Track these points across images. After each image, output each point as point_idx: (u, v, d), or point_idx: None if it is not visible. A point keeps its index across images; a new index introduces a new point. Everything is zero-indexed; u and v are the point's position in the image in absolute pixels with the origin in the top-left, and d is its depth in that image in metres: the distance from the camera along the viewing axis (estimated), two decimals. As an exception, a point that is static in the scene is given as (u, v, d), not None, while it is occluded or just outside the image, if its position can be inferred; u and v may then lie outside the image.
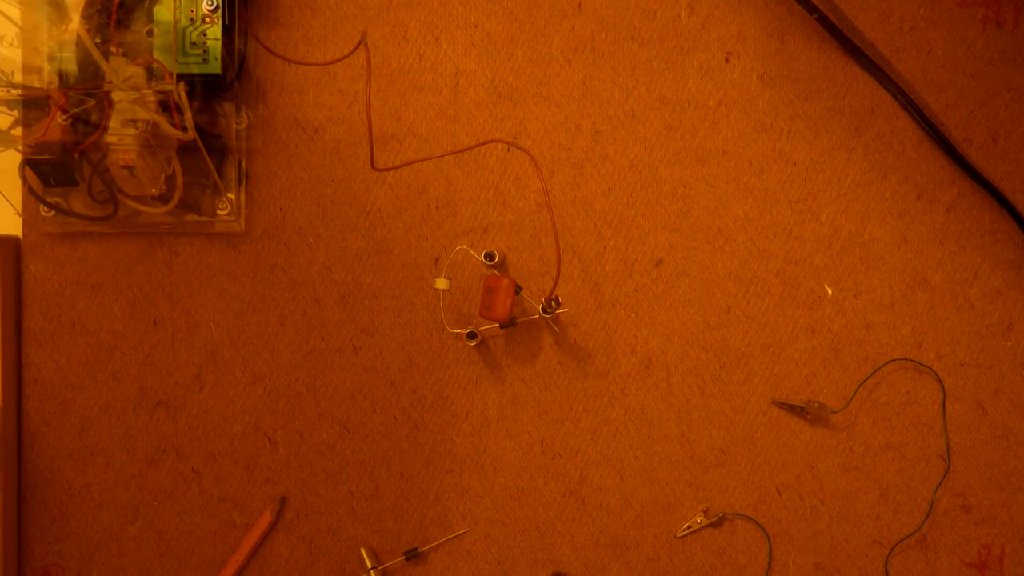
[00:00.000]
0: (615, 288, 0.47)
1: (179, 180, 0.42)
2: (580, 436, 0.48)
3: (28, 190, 0.43)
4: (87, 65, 0.39)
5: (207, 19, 0.41)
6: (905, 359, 0.47)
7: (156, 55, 0.40)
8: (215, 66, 0.41)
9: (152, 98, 0.38)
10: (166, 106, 0.39)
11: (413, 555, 0.46)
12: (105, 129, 0.38)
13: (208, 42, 0.41)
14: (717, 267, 0.47)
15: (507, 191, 0.47)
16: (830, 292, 0.47)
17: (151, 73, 0.39)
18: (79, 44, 0.39)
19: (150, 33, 0.40)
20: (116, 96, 0.38)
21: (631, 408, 0.47)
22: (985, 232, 0.47)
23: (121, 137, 0.38)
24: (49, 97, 0.39)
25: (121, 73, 0.38)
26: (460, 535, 0.47)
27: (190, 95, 0.39)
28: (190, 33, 0.41)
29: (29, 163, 0.40)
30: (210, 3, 0.41)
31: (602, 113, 0.47)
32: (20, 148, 0.40)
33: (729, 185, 0.47)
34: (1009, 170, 0.47)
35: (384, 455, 0.47)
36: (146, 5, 0.40)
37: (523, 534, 0.48)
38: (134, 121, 0.38)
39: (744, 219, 0.47)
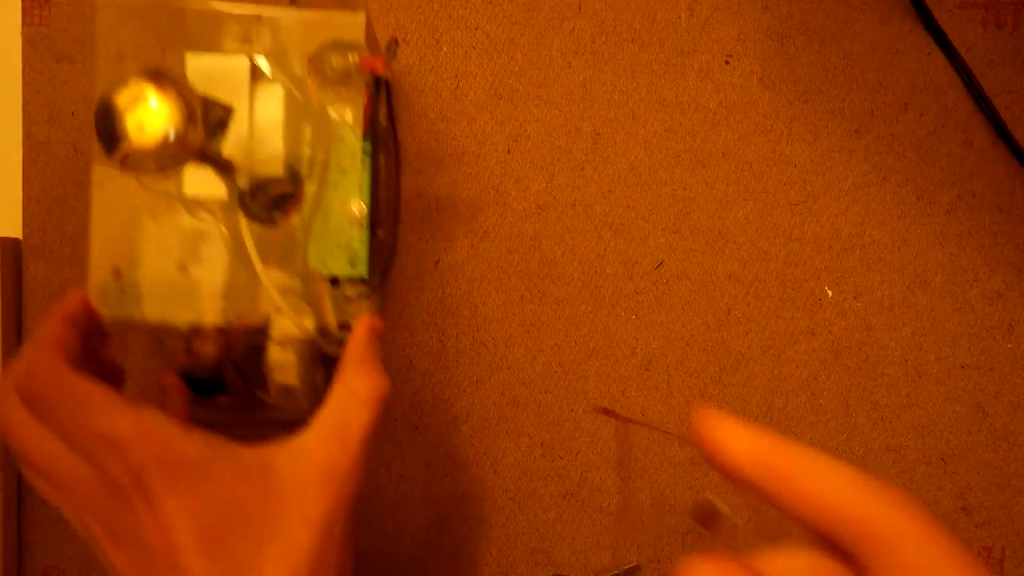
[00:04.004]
0: (615, 290, 0.47)
1: (322, 388, 0.36)
2: (580, 438, 0.48)
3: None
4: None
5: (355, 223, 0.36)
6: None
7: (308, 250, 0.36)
8: (361, 270, 0.36)
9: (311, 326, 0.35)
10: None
11: None
12: (264, 349, 0.36)
13: (354, 244, 0.36)
14: (717, 269, 0.47)
15: (507, 193, 0.47)
16: (830, 294, 0.47)
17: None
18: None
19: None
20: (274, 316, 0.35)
21: (631, 410, 0.47)
22: (985, 234, 0.47)
23: (284, 355, 0.35)
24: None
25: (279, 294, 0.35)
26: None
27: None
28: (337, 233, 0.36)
29: (183, 376, 0.38)
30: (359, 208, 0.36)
31: (602, 115, 0.47)
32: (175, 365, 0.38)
33: (729, 187, 0.47)
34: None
35: (384, 457, 0.47)
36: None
37: (523, 536, 0.48)
38: (291, 340, 0.36)
39: (744, 221, 0.47)
